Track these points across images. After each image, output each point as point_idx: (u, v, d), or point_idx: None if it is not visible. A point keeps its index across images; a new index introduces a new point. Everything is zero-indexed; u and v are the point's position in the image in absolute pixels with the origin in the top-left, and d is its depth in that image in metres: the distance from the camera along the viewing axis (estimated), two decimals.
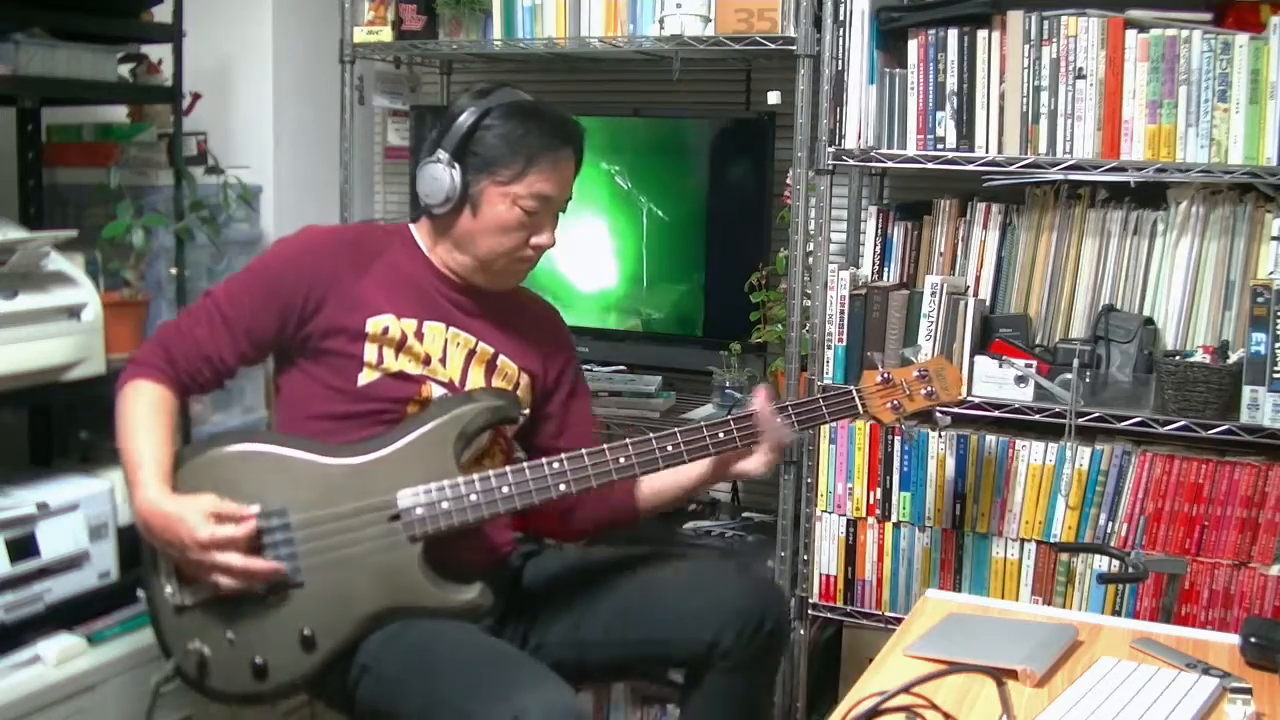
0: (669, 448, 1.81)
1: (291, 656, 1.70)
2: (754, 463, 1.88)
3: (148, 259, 2.64)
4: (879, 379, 1.95)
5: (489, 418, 1.80)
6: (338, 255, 1.83)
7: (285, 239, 1.90)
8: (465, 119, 1.81)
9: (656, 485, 1.97)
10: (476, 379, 1.88)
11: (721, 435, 1.83)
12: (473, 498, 1.73)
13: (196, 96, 2.80)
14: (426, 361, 1.83)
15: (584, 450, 1.78)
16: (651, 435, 1.81)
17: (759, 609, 1.83)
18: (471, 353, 1.88)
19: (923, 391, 1.96)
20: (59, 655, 2.25)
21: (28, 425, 2.74)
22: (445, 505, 1.73)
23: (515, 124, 1.82)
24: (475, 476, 1.75)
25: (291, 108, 3.15)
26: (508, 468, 1.77)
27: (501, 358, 1.91)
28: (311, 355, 1.82)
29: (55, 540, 2.28)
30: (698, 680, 1.85)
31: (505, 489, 1.75)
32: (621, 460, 1.78)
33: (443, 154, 1.81)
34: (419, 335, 1.84)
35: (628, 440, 1.79)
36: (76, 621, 2.34)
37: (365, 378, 1.80)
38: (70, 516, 2.32)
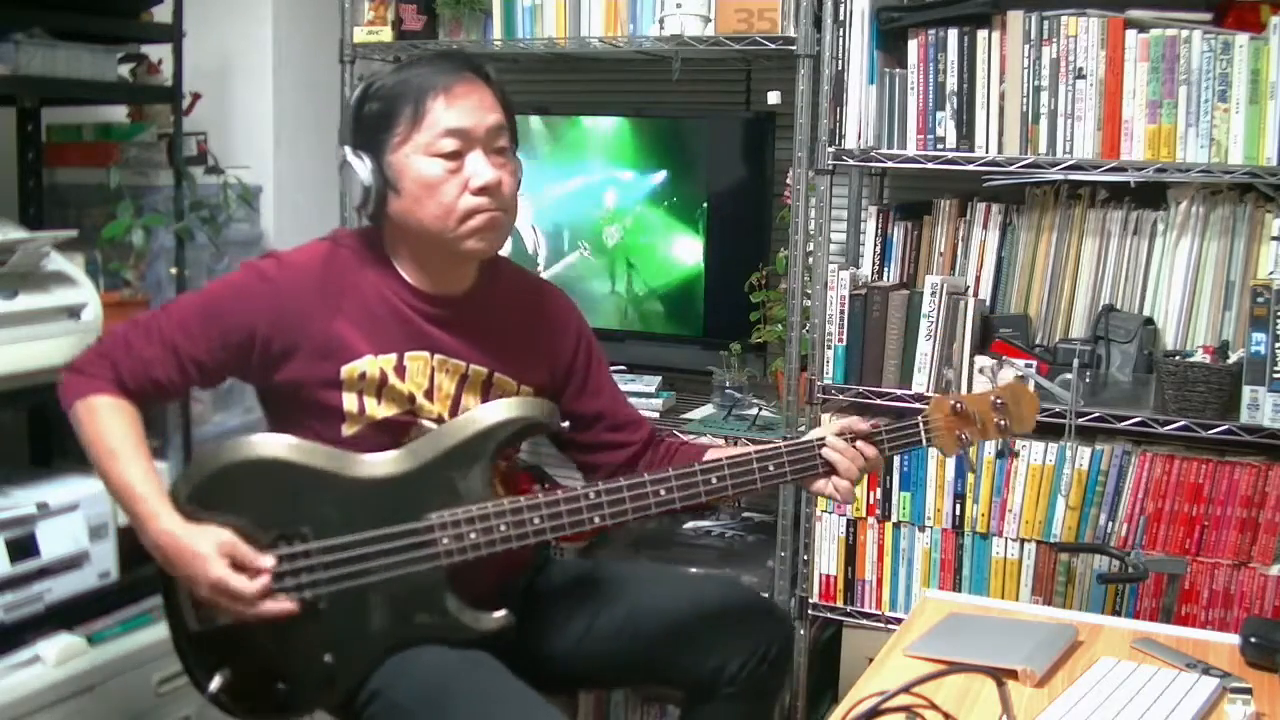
0: (714, 480, 1.68)
1: (313, 685, 1.66)
2: (830, 488, 1.73)
3: (148, 259, 2.64)
4: (951, 408, 1.75)
5: (523, 428, 1.70)
6: (304, 295, 1.69)
7: (250, 266, 1.74)
8: (350, 108, 1.71)
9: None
10: (471, 407, 1.75)
11: (772, 469, 1.69)
12: (502, 528, 1.64)
13: (196, 96, 2.80)
14: (410, 400, 1.71)
15: (623, 481, 1.68)
16: (697, 465, 1.69)
17: (766, 639, 1.80)
18: (464, 378, 1.76)
19: (997, 422, 1.77)
20: (59, 655, 2.25)
21: (28, 425, 2.74)
22: (474, 537, 1.64)
23: (393, 81, 1.68)
24: (507, 505, 1.65)
25: (291, 108, 3.15)
26: (541, 497, 1.66)
27: (497, 376, 1.79)
28: (295, 404, 1.71)
29: (55, 540, 2.28)
30: (698, 705, 1.82)
31: (537, 520, 1.65)
32: (662, 493, 1.67)
33: (345, 150, 1.70)
34: (400, 370, 1.71)
35: (670, 471, 1.67)
36: (76, 621, 2.34)
37: (348, 429, 1.70)
38: (70, 516, 2.32)
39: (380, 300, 1.72)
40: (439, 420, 1.73)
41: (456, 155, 1.66)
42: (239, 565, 1.58)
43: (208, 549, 1.57)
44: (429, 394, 1.73)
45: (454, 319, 1.76)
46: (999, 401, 1.76)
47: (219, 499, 1.63)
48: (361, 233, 1.79)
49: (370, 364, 1.69)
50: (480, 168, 1.67)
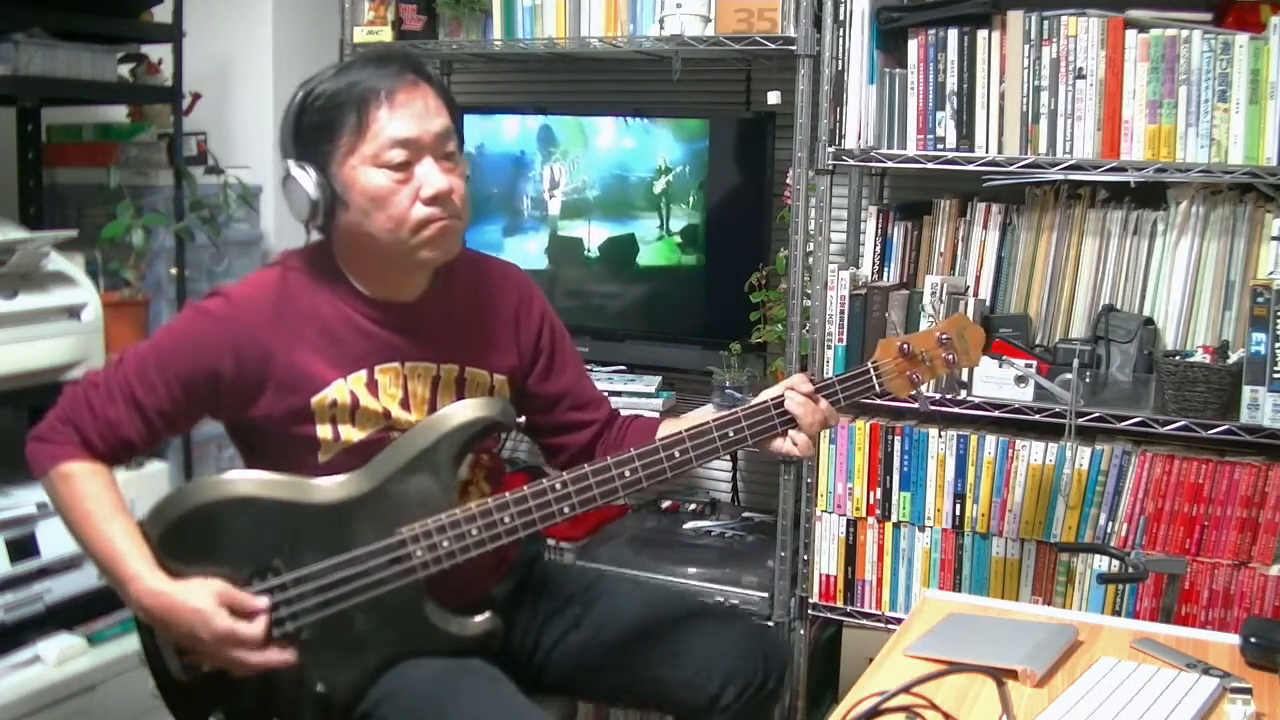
0: (676, 454, 1.68)
1: (310, 717, 1.63)
2: (788, 445, 1.73)
3: (148, 259, 2.65)
4: (898, 349, 1.77)
5: (479, 431, 1.67)
6: (261, 329, 1.63)
7: (196, 309, 1.67)
8: (289, 118, 1.66)
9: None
10: (448, 405, 1.71)
11: (731, 434, 1.70)
12: (474, 532, 1.62)
13: (196, 96, 2.81)
14: (386, 416, 1.67)
15: (588, 467, 1.66)
16: (658, 442, 1.69)
17: (764, 671, 1.79)
18: (436, 379, 1.72)
19: (944, 358, 1.79)
20: (59, 655, 2.25)
21: (28, 425, 2.73)
22: (447, 545, 1.61)
23: (332, 85, 1.62)
24: (475, 509, 1.62)
25: None
26: (508, 495, 1.64)
27: (469, 370, 1.75)
28: (267, 438, 1.67)
29: (55, 540, 2.28)
30: None
31: (508, 519, 1.63)
32: (627, 474, 1.66)
33: (290, 163, 1.64)
34: (372, 387, 1.67)
35: (634, 451, 1.68)
36: (76, 621, 2.34)
37: (324, 455, 1.66)
38: None
39: (340, 318, 1.68)
40: None
41: (405, 165, 1.61)
42: (236, 611, 1.55)
43: (206, 603, 1.53)
44: (405, 403, 1.70)
45: (415, 323, 1.72)
46: (944, 337, 1.79)
47: (187, 545, 1.59)
48: (309, 251, 1.73)
49: (340, 389, 1.65)
50: (431, 176, 1.61)
